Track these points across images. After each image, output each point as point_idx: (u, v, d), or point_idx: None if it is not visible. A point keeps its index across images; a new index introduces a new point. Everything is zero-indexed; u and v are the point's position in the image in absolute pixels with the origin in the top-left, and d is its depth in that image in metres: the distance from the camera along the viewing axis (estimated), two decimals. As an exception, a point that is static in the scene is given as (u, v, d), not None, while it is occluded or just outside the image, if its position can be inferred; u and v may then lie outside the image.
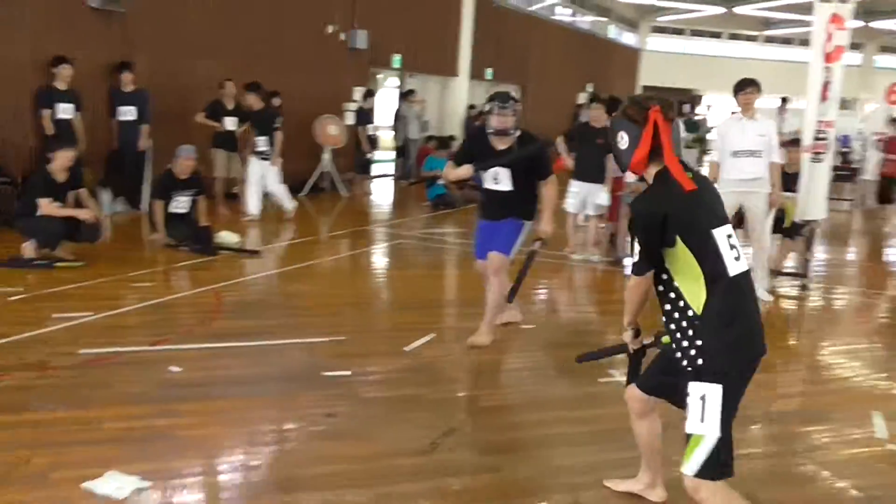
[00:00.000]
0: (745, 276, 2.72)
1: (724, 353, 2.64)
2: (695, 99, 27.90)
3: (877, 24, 27.15)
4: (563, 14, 23.36)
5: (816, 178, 7.15)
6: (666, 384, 2.96)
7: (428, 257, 8.54)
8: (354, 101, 13.84)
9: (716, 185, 6.66)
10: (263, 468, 3.51)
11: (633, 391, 3.14)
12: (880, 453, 4.02)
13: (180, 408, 4.06)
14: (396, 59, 15.39)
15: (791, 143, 7.95)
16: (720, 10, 25.49)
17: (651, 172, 2.80)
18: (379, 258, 8.47)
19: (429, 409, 4.23)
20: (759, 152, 6.77)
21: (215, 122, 10.09)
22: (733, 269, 2.68)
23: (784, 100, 18.21)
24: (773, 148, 6.86)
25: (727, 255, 2.68)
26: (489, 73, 18.75)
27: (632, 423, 3.25)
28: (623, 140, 2.82)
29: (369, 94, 13.69)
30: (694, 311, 2.69)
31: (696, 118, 17.30)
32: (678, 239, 2.66)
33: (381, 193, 13.79)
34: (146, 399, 4.14)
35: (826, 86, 6.96)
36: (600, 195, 8.48)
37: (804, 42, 31.93)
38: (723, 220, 2.74)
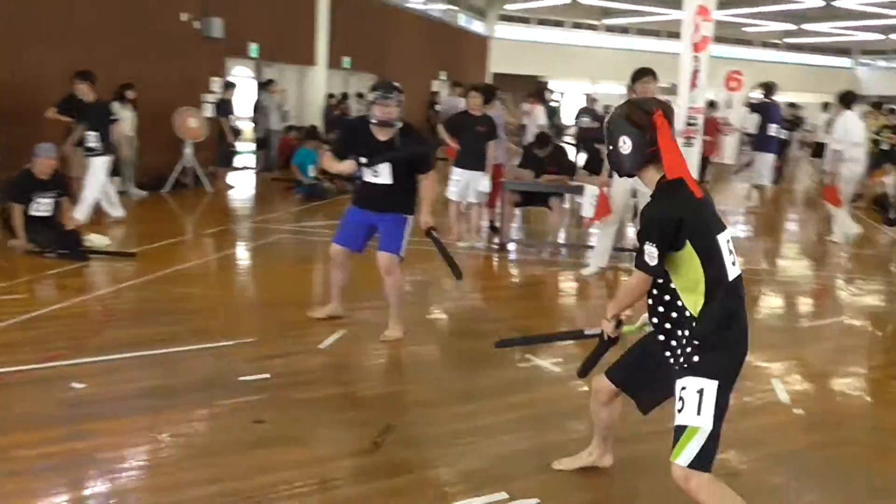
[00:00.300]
0: (740, 280, 2.81)
1: (722, 352, 2.75)
2: (542, 85, 28.86)
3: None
4: (416, 2, 23.42)
5: (688, 162, 7.54)
6: (638, 379, 3.09)
7: (310, 251, 8.31)
8: (212, 93, 13.34)
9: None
10: (203, 483, 3.33)
11: (603, 382, 3.20)
12: (786, 419, 4.31)
13: (95, 427, 3.78)
14: (253, 48, 14.93)
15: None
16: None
17: (652, 176, 2.82)
18: (260, 255, 8.19)
19: (360, 408, 4.17)
20: None
21: (69, 119, 9.39)
22: (732, 273, 2.76)
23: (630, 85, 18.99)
24: None
25: (727, 260, 2.76)
26: (347, 61, 18.54)
27: (593, 407, 3.34)
28: (626, 145, 2.82)
29: (229, 84, 13.20)
30: (690, 313, 2.77)
31: (553, 104, 17.83)
32: (687, 243, 2.71)
33: (246, 187, 13.34)
34: (54, 421, 3.83)
35: (695, 74, 7.35)
36: (482, 182, 8.58)
37: (641, 31, 33.71)
38: (723, 227, 2.84)
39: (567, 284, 7.46)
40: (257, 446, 3.68)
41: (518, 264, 8.31)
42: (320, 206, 11.06)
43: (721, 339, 2.74)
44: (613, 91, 28.49)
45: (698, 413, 2.68)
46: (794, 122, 16.26)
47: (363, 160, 5.06)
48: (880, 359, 5.75)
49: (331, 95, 17.63)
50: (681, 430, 2.71)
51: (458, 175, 8.64)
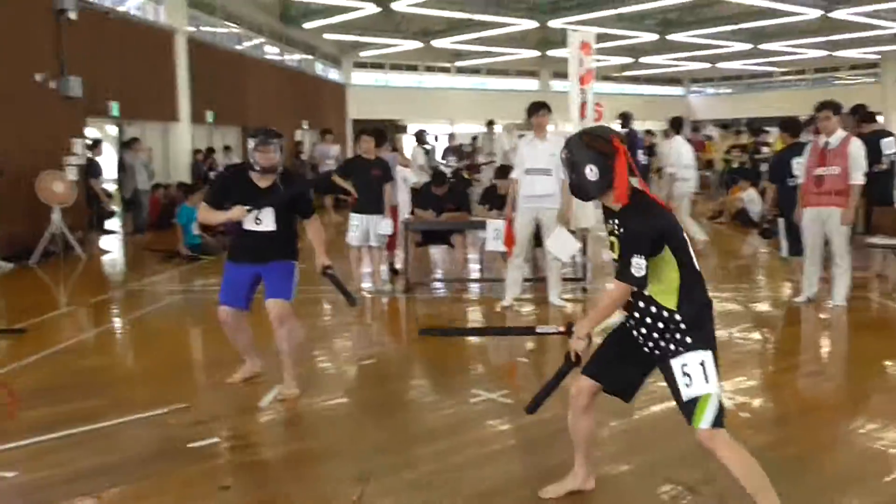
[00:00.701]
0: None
1: (706, 328, 3.13)
2: (399, 129, 29.24)
3: (551, 53, 30.33)
4: (272, 53, 23.27)
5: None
6: (622, 372, 3.33)
7: (207, 311, 7.83)
8: (75, 154, 12.68)
9: (515, 202, 7.14)
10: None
11: (586, 382, 3.35)
12: (736, 422, 4.50)
13: (47, 515, 3.46)
14: (114, 107, 14.33)
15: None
16: (417, 44, 26.92)
17: (614, 196, 3.13)
18: (157, 320, 7.78)
19: (323, 462, 4.02)
20: (549, 170, 7.29)
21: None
22: (697, 266, 3.16)
23: (490, 123, 19.43)
24: (560, 167, 7.42)
25: (693, 256, 3.16)
26: (210, 115, 18.13)
27: (572, 420, 3.42)
28: (592, 172, 3.08)
29: (95, 143, 12.60)
30: (668, 308, 3.09)
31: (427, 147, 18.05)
32: (666, 247, 3.05)
33: (119, 251, 12.70)
34: (-5, 514, 3.48)
35: (583, 106, 7.68)
36: (381, 225, 8.55)
37: (491, 71, 34.84)
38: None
39: (485, 316, 7.54)
40: (229, 514, 3.48)
41: (430, 303, 8.29)
42: (204, 265, 10.66)
43: (704, 318, 3.14)
44: (471, 130, 29.27)
45: (706, 381, 3.06)
46: (651, 149, 17.22)
47: (249, 207, 4.82)
48: (790, 360, 6.09)
49: (197, 151, 17.16)
50: (694, 400, 3.06)
51: (357, 220, 8.58)
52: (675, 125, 11.63)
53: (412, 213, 8.93)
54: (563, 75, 36.13)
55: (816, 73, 37.46)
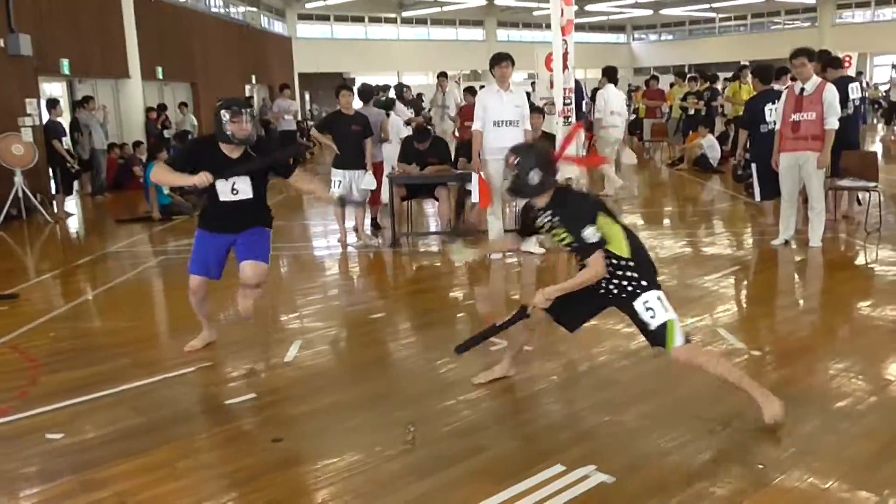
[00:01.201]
0: None
1: (653, 269, 3.89)
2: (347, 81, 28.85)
3: (497, 2, 30.20)
4: (217, 6, 22.67)
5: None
6: (575, 311, 4.08)
7: None
8: (29, 115, 12.31)
9: (481, 154, 7.32)
10: (262, 509, 3.22)
11: (541, 315, 4.09)
12: (750, 361, 4.76)
13: (105, 474, 3.49)
14: (65, 64, 13.89)
15: (534, 110, 8.74)
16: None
17: (545, 198, 3.90)
18: (151, 280, 7.75)
19: (367, 411, 4.12)
20: (516, 122, 7.41)
21: None
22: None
23: (442, 74, 19.21)
24: (526, 118, 7.55)
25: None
26: (160, 71, 17.68)
27: (515, 331, 4.27)
28: (534, 179, 3.84)
29: (53, 102, 12.23)
30: (624, 258, 3.82)
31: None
32: (601, 215, 3.80)
33: (83, 213, 12.44)
34: (55, 476, 3.50)
35: (565, 56, 7.77)
36: (365, 180, 8.58)
37: (436, 21, 34.54)
38: None
39: (471, 269, 7.68)
40: (290, 465, 3.58)
41: (416, 256, 8.39)
42: (179, 225, 10.55)
43: (649, 262, 3.90)
44: (418, 82, 29.10)
45: (666, 311, 3.77)
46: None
47: (217, 177, 4.70)
48: (784, 300, 6.36)
49: (149, 109, 16.75)
50: (663, 327, 3.75)
51: (339, 176, 8.58)
52: (608, 74, 11.89)
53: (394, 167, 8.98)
54: (507, 24, 36.21)
55: (755, 19, 38.09)
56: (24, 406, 4.32)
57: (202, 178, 4.67)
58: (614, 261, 3.79)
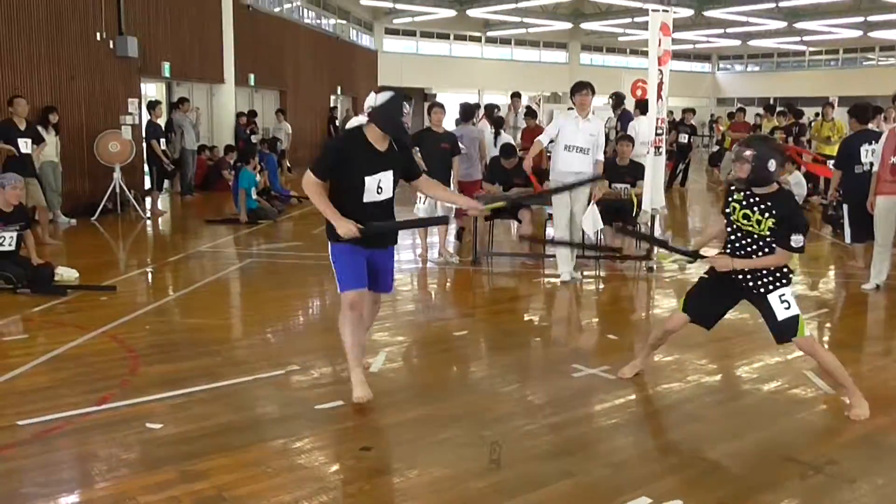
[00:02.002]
0: None
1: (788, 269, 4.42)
2: (429, 97, 29.11)
3: (584, 25, 30.21)
4: (310, 17, 23.25)
5: (657, 170, 7.96)
6: (711, 308, 4.60)
7: (291, 275, 8.17)
8: (130, 114, 12.85)
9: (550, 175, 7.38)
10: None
11: (681, 317, 4.68)
12: (839, 405, 4.68)
13: (205, 467, 3.64)
14: (166, 67, 14.46)
15: (623, 138, 8.75)
16: (451, 12, 26.85)
17: None
18: (242, 281, 7.99)
19: (451, 426, 4.19)
20: (587, 150, 7.44)
21: (6, 145, 8.87)
22: None
23: (516, 95, 18.95)
24: (599, 147, 7.58)
25: None
26: (252, 78, 18.23)
27: (656, 334, 4.92)
28: (773, 165, 4.22)
29: (154, 104, 12.74)
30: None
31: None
32: None
33: (174, 211, 12.90)
34: (159, 463, 3.67)
35: (660, 86, 7.77)
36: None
37: (520, 42, 34.70)
38: None
39: (545, 290, 7.72)
40: (380, 474, 3.67)
41: (495, 276, 8.45)
42: (264, 229, 10.85)
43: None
44: (499, 100, 29.17)
45: (797, 306, 4.34)
46: (693, 128, 17.28)
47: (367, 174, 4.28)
48: (877, 346, 6.22)
49: (240, 114, 17.27)
50: (795, 319, 4.31)
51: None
52: (641, 105, 11.82)
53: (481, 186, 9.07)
54: (591, 48, 36.12)
55: (847, 54, 37.15)
56: (125, 394, 4.53)
57: (349, 230, 4.19)
58: (760, 252, 4.35)
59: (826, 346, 5.98)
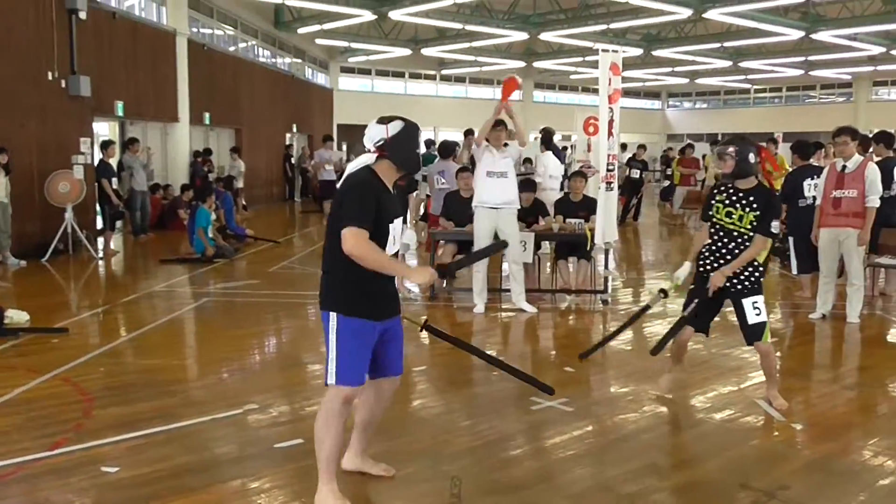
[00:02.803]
0: None
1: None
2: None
3: (536, 64, 30.75)
4: (265, 56, 23.33)
5: (609, 205, 8.13)
6: (707, 316, 5.14)
7: (247, 313, 8.12)
8: (82, 154, 12.71)
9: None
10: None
11: (690, 330, 5.15)
12: (790, 434, 4.79)
13: (162, 510, 3.62)
14: (119, 106, 14.37)
15: (575, 174, 8.92)
16: (406, 51, 27.14)
17: None
18: (198, 320, 7.91)
19: (412, 462, 4.20)
20: (506, 173, 7.73)
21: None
22: None
23: (468, 132, 19.14)
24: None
25: None
26: (207, 117, 18.19)
27: (676, 348, 5.28)
28: (753, 158, 4.91)
29: (107, 143, 12.63)
30: (759, 261, 4.99)
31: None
32: None
33: (126, 251, 12.73)
34: (113, 509, 3.63)
35: (611, 123, 7.96)
36: (406, 234, 8.69)
37: (474, 80, 35.16)
38: None
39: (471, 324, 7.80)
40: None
41: (464, 312, 8.49)
42: (221, 268, 10.78)
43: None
44: (456, 137, 29.43)
45: (765, 314, 4.91)
46: (644, 163, 17.65)
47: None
48: (825, 374, 6.35)
49: (196, 152, 17.20)
50: (763, 325, 4.87)
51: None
52: (546, 141, 12.16)
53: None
54: (543, 86, 36.72)
55: (790, 92, 38.32)
56: (79, 438, 4.45)
57: (428, 275, 3.58)
58: (755, 261, 4.89)
59: (778, 375, 6.17)
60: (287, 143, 24.18)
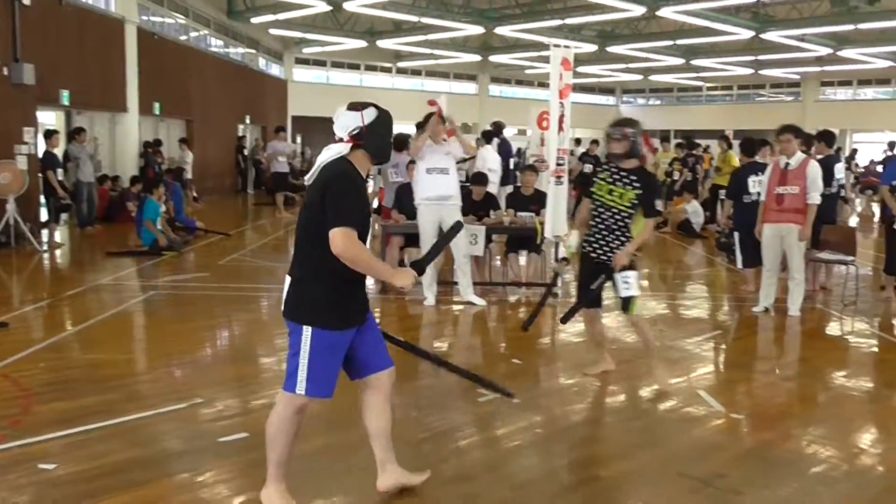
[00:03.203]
0: None
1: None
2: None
3: (493, 58, 30.82)
4: (217, 46, 23.01)
5: (559, 199, 8.20)
6: (595, 285, 5.38)
7: (200, 306, 7.99)
8: (25, 143, 12.41)
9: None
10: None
11: (588, 313, 5.58)
12: (731, 424, 4.90)
13: (101, 506, 3.57)
14: (65, 96, 14.05)
15: (527, 168, 8.98)
16: (362, 43, 26.98)
17: None
18: (145, 313, 7.81)
19: (357, 454, 4.19)
20: (447, 169, 7.74)
21: None
22: None
23: (420, 125, 19.11)
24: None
25: None
26: (157, 107, 17.89)
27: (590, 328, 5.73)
28: (638, 141, 5.35)
29: (51, 133, 12.35)
30: (631, 236, 5.34)
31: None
32: None
33: (72, 244, 12.48)
34: (49, 506, 3.57)
35: (561, 119, 8.03)
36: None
37: (430, 73, 35.12)
38: None
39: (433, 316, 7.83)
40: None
41: (414, 305, 8.48)
42: (170, 261, 10.62)
43: None
44: (411, 130, 29.39)
45: (638, 288, 5.33)
46: (597, 159, 17.80)
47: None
48: (765, 365, 6.50)
49: (148, 143, 16.91)
50: (631, 298, 5.29)
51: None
52: (486, 136, 12.35)
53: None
54: (500, 80, 36.83)
55: (741, 90, 38.98)
56: (16, 435, 4.37)
57: (409, 277, 3.46)
58: (627, 233, 5.26)
59: (721, 367, 6.33)
60: (240, 134, 23.91)
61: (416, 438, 4.47)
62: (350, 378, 3.66)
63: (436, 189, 7.65)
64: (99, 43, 15.32)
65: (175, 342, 6.56)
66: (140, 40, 16.67)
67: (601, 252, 5.32)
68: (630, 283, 5.24)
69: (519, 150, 17.27)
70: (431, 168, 7.69)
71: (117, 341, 6.60)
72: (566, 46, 8.15)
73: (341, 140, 3.42)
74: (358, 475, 3.94)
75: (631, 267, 5.26)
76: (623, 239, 5.27)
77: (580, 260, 5.56)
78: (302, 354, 3.35)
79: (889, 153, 18.82)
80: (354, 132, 3.40)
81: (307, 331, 3.33)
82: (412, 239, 8.58)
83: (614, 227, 5.27)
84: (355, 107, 3.49)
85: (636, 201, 5.20)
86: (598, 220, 5.33)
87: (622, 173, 5.25)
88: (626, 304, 5.33)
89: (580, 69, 32.80)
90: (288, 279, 3.43)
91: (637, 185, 5.20)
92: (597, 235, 5.35)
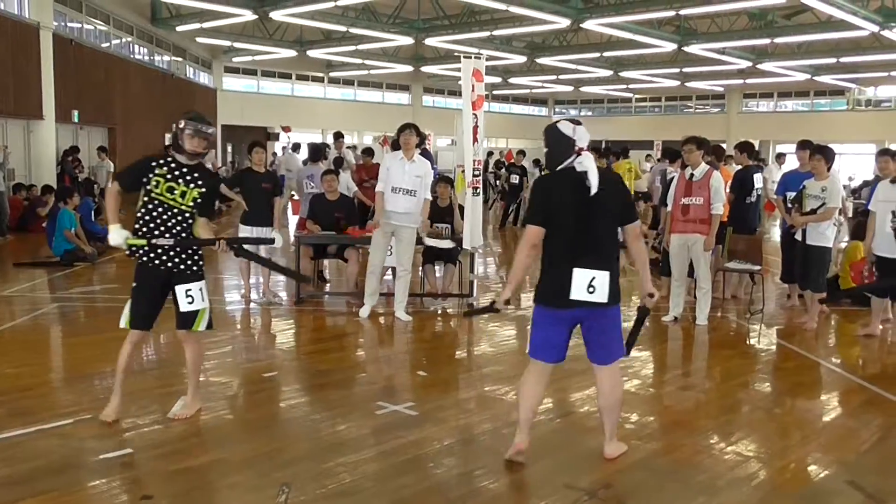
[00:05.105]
0: None
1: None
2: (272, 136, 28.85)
3: (424, 69, 30.92)
4: (141, 53, 22.55)
5: (476, 210, 8.20)
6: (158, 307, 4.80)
7: (106, 318, 7.68)
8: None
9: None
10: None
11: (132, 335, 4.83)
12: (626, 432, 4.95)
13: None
14: (-25, 102, 13.59)
15: (441, 180, 8.98)
16: (292, 52, 26.78)
17: None
18: (43, 327, 7.54)
19: (245, 470, 4.12)
20: (414, 191, 7.60)
21: None
22: None
23: (338, 135, 18.22)
24: (426, 188, 7.76)
25: None
26: (76, 115, 17.43)
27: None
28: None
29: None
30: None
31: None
32: None
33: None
34: None
35: (475, 129, 8.06)
36: (272, 237, 8.59)
37: (363, 83, 35.04)
38: None
39: (362, 328, 7.77)
40: (157, 524, 3.56)
41: (327, 315, 8.38)
42: (81, 272, 10.33)
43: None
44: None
45: (203, 300, 4.73)
46: (524, 168, 18.00)
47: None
48: (666, 374, 6.61)
49: (67, 152, 16.45)
50: (196, 313, 4.70)
51: (246, 232, 8.58)
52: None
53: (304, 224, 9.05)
54: (432, 90, 36.95)
55: (668, 101, 39.89)
56: None
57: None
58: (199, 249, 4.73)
59: (625, 377, 6.37)
60: (167, 143, 23.42)
61: (304, 452, 4.39)
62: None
63: (396, 206, 7.55)
64: (12, 49, 14.88)
65: (72, 356, 6.38)
66: (56, 46, 16.24)
67: (170, 263, 4.67)
68: (194, 295, 4.68)
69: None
70: (397, 188, 7.57)
71: (8, 355, 6.34)
72: (477, 57, 8.16)
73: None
74: (240, 492, 3.87)
75: (199, 274, 4.71)
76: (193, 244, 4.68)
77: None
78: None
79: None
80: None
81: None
82: (321, 250, 8.59)
83: (176, 229, 4.62)
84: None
85: (199, 200, 4.62)
86: (157, 220, 4.61)
87: (183, 169, 4.61)
88: (188, 319, 4.73)
89: (512, 80, 33.19)
90: (596, 273, 4.07)
91: (200, 183, 4.62)
92: (158, 237, 4.62)
